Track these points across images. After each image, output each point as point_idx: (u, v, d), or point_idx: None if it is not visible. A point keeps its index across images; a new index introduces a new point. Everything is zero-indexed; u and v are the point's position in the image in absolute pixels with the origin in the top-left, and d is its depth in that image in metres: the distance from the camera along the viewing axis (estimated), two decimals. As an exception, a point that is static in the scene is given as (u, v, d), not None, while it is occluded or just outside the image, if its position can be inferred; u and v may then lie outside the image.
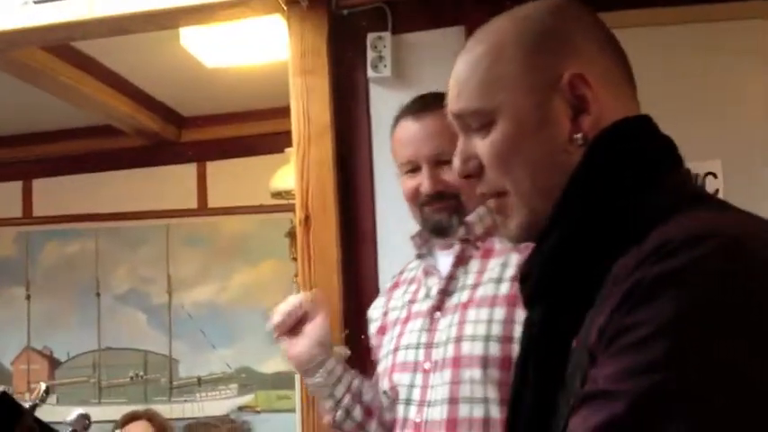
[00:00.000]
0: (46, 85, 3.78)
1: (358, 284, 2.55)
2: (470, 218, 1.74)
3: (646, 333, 0.76)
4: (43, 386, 1.14)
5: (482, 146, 0.97)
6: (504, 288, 1.67)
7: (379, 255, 2.57)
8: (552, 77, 0.94)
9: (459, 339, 1.67)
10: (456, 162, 1.01)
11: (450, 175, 1.70)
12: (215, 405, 4.88)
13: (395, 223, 2.56)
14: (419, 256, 1.84)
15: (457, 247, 1.76)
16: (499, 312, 1.65)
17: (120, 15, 2.64)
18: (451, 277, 1.75)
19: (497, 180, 0.97)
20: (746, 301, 0.76)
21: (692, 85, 2.48)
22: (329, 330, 1.84)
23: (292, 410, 4.56)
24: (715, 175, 2.45)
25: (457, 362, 1.66)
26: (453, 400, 1.65)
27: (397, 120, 1.82)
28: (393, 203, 2.57)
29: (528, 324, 1.00)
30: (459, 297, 1.73)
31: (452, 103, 1.00)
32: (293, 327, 1.81)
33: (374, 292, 2.53)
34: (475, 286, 1.72)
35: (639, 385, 0.74)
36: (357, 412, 1.84)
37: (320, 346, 1.81)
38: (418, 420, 1.70)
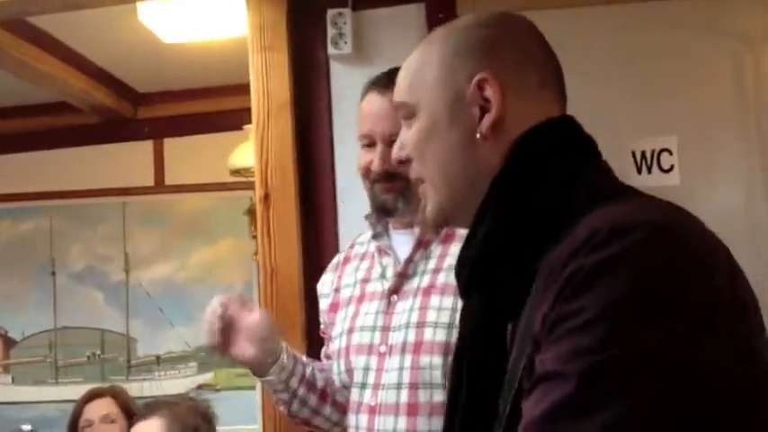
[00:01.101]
0: (0, 61, 3.71)
1: (319, 262, 2.55)
2: None
3: (586, 318, 0.81)
4: (27, 428, 1.07)
5: (407, 137, 1.08)
6: None
7: (340, 232, 2.57)
8: (465, 80, 1.02)
9: (421, 325, 1.67)
10: (394, 148, 1.12)
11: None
12: (174, 383, 4.86)
13: (355, 200, 2.56)
14: (375, 236, 1.83)
15: (417, 231, 1.75)
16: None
17: (75, -11, 2.61)
18: (410, 260, 1.75)
19: (416, 168, 1.07)
20: (673, 286, 0.82)
21: (649, 61, 2.50)
22: (267, 321, 1.80)
23: (252, 388, 4.57)
24: (670, 152, 2.48)
25: (418, 347, 1.66)
26: (413, 385, 1.66)
27: (365, 92, 1.80)
28: (353, 181, 2.56)
29: (464, 314, 1.05)
30: (420, 281, 1.72)
31: (394, 96, 1.11)
32: (228, 334, 1.76)
33: (335, 270, 2.53)
34: (436, 271, 1.71)
35: (584, 365, 0.80)
36: (312, 400, 1.85)
37: (270, 340, 1.79)
38: (373, 404, 1.70)
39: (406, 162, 1.09)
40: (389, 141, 1.70)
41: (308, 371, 1.85)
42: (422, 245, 1.75)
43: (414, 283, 1.73)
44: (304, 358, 1.89)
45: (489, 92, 1.01)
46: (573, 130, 1.04)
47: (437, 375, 1.64)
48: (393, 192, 1.73)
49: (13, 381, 4.96)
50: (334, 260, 1.96)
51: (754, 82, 2.54)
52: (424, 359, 1.65)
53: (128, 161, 4.89)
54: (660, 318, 0.80)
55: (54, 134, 4.83)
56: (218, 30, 3.40)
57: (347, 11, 2.53)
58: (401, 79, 1.09)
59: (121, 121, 4.77)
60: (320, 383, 1.86)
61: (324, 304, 1.91)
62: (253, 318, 1.78)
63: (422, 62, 1.07)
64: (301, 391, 1.83)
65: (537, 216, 0.95)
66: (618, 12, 2.47)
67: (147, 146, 4.90)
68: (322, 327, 1.94)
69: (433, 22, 2.45)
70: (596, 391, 0.79)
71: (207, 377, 4.85)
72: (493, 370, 0.95)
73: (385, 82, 1.75)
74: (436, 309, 1.67)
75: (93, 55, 4.14)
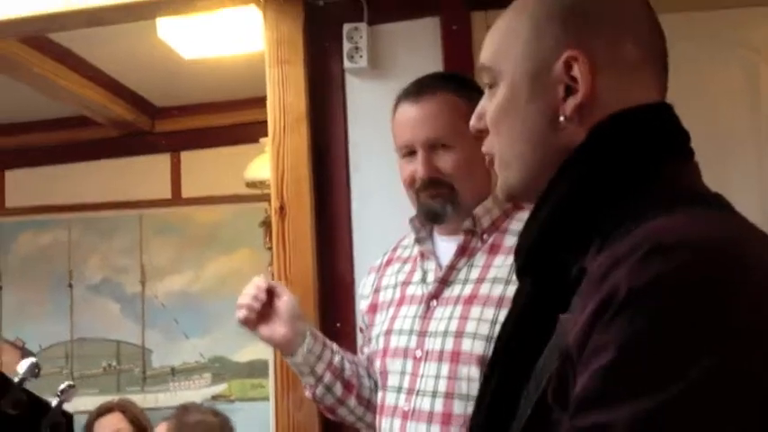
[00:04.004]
0: (21, 77, 3.76)
1: (333, 273, 2.57)
2: (478, 210, 1.72)
3: (609, 359, 0.76)
4: (32, 360, 1.08)
5: (487, 106, 1.01)
6: (512, 291, 1.65)
7: (355, 244, 2.59)
8: (552, 54, 0.94)
9: (459, 334, 1.65)
10: (472, 117, 1.03)
11: (445, 161, 1.70)
12: (188, 395, 4.89)
13: (370, 212, 2.59)
14: (418, 240, 1.81)
15: (461, 237, 1.73)
16: (505, 315, 1.64)
17: (97, 6, 2.65)
18: (452, 267, 1.73)
19: (491, 140, 1.00)
20: (710, 320, 0.76)
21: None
22: (295, 303, 1.83)
23: (266, 399, 4.58)
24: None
25: (456, 357, 1.65)
26: (449, 395, 1.64)
27: (397, 102, 1.79)
28: (368, 193, 2.60)
29: (518, 295, 1.03)
30: (462, 290, 1.70)
31: (481, 56, 1.03)
32: (261, 313, 1.79)
33: (350, 282, 2.55)
34: (479, 281, 1.69)
35: (624, 415, 0.75)
36: (337, 388, 1.84)
37: (299, 320, 1.81)
38: (407, 409, 1.69)
39: (482, 132, 1.01)
40: (430, 147, 1.71)
41: (337, 359, 1.85)
42: (465, 252, 1.73)
43: (455, 291, 1.71)
44: (334, 346, 1.89)
45: (577, 71, 0.93)
46: (667, 120, 0.96)
47: (474, 387, 1.60)
48: (439, 198, 1.72)
49: (30, 392, 4.99)
50: (377, 262, 1.95)
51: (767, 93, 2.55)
52: (463, 370, 1.63)
53: (145, 174, 4.94)
54: (684, 366, 0.75)
55: (73, 148, 4.88)
56: (235, 45, 3.44)
57: (363, 25, 2.56)
58: (488, 42, 1.01)
59: (139, 134, 4.82)
60: (347, 374, 1.86)
61: (363, 305, 1.92)
62: (282, 300, 1.80)
63: (511, 27, 0.99)
64: (327, 377, 1.83)
65: (597, 208, 0.89)
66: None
67: (164, 159, 4.95)
68: (360, 325, 1.96)
69: (447, 35, 2.48)
70: None
71: (221, 388, 4.87)
72: (528, 360, 0.91)
73: (416, 90, 1.76)
74: (476, 320, 1.65)
75: (112, 70, 4.19)
